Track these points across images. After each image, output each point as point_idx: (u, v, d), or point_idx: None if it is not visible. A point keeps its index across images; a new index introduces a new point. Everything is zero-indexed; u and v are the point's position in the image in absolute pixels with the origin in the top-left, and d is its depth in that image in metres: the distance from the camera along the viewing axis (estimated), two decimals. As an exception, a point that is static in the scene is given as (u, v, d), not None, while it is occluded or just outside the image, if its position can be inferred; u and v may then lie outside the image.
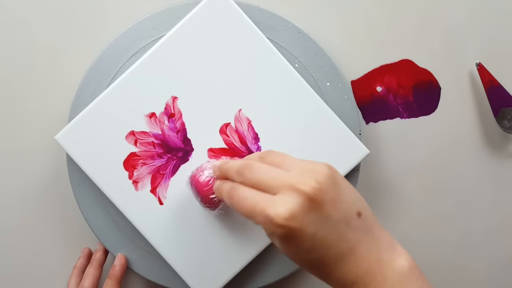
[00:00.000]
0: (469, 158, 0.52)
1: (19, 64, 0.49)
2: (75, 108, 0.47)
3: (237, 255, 0.45)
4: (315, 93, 0.46)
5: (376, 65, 0.51)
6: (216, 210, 0.42)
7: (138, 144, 0.45)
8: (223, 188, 0.36)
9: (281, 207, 0.30)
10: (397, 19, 0.51)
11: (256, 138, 0.46)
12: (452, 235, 0.53)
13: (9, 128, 0.50)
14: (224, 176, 0.37)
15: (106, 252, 0.49)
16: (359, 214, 0.33)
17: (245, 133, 0.46)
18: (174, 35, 0.45)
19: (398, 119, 0.52)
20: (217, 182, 0.38)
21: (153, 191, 0.45)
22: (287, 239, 0.31)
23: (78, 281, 0.47)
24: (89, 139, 0.44)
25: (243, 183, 0.34)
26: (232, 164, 0.36)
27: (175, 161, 0.45)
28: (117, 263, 0.47)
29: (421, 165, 0.52)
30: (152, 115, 0.45)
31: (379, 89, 0.51)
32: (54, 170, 0.50)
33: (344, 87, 0.48)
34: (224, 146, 0.45)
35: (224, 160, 0.39)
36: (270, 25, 0.47)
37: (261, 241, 0.45)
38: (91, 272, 0.47)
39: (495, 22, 0.52)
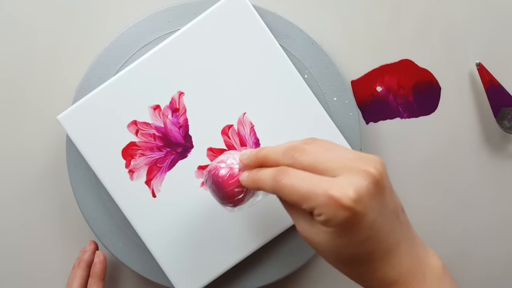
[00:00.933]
0: (469, 158, 0.52)
1: (19, 63, 0.49)
2: (81, 91, 0.47)
3: (224, 256, 0.45)
4: (321, 106, 0.46)
5: (376, 65, 0.51)
6: (237, 208, 0.37)
7: (139, 135, 0.45)
8: (265, 174, 0.31)
9: (349, 187, 0.27)
10: (397, 19, 0.51)
11: (257, 143, 0.46)
12: (452, 235, 0.53)
13: (9, 128, 0.50)
14: (261, 163, 0.33)
15: (95, 253, 0.48)
16: (402, 209, 0.31)
17: (246, 137, 0.46)
18: (188, 31, 0.45)
19: (398, 119, 0.52)
20: (250, 172, 0.33)
21: (147, 182, 0.45)
22: (347, 224, 0.28)
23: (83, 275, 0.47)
24: (91, 123, 0.44)
25: (293, 165, 0.30)
26: (276, 148, 0.32)
27: (173, 156, 0.45)
28: (97, 261, 0.47)
29: (421, 165, 0.52)
30: (157, 107, 0.45)
31: (379, 89, 0.51)
32: (54, 169, 0.50)
33: (351, 104, 0.48)
34: (224, 147, 0.45)
35: (257, 148, 0.34)
36: (285, 33, 0.47)
37: (251, 244, 0.45)
38: (78, 273, 0.46)
39: (495, 22, 0.52)
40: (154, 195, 0.45)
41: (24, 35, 0.49)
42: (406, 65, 0.51)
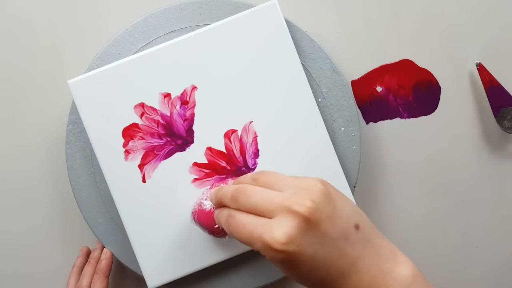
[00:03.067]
0: (469, 158, 0.52)
1: (19, 63, 0.50)
2: (98, 61, 0.47)
3: (202, 255, 0.45)
4: (327, 135, 0.45)
5: (376, 65, 0.51)
6: (227, 237, 0.41)
7: (143, 118, 0.45)
8: (221, 216, 0.35)
9: (278, 231, 0.30)
10: (397, 19, 0.51)
11: (256, 154, 0.46)
12: (452, 235, 0.53)
13: (9, 127, 0.50)
14: (220, 204, 0.36)
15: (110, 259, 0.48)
16: (357, 227, 0.32)
17: (247, 146, 0.46)
18: (217, 29, 0.45)
19: (398, 119, 0.52)
20: (216, 211, 0.37)
21: (141, 166, 0.45)
22: (287, 263, 0.30)
23: (77, 279, 0.47)
24: (99, 95, 0.44)
25: (239, 209, 0.33)
26: (226, 190, 0.35)
27: (172, 147, 0.45)
28: (103, 257, 0.47)
29: (421, 165, 0.52)
30: (167, 95, 0.45)
31: (379, 89, 0.51)
32: (54, 169, 0.50)
33: (356, 137, 0.48)
34: (223, 150, 0.45)
35: (218, 187, 0.39)
36: (309, 54, 0.47)
37: (235, 247, 0.45)
38: (88, 270, 0.47)
39: (495, 21, 0.52)
40: (144, 180, 0.45)
41: (25, 34, 0.49)
42: (406, 65, 0.51)
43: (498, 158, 0.52)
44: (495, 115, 0.51)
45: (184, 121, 0.45)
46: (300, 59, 0.46)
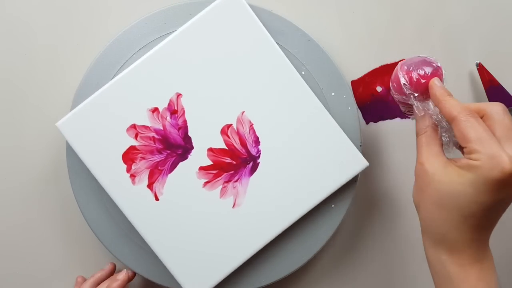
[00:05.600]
0: (469, 158, 0.52)
1: (19, 63, 0.49)
2: (79, 96, 0.47)
3: (231, 255, 0.45)
4: (319, 102, 0.46)
5: (376, 65, 0.51)
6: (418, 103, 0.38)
7: (138, 138, 0.45)
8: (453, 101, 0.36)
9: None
10: (397, 19, 0.51)
11: (256, 141, 0.46)
12: (452, 235, 0.53)
13: (9, 128, 0.50)
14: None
15: (132, 278, 0.48)
16: None
17: (246, 136, 0.46)
18: (184, 32, 0.45)
19: (398, 119, 0.52)
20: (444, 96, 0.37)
21: (149, 186, 0.45)
22: (491, 182, 0.31)
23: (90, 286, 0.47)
24: (90, 129, 0.44)
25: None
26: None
27: (174, 158, 0.45)
28: (120, 278, 0.46)
29: (421, 165, 0.52)
30: (155, 110, 0.45)
31: (379, 89, 0.51)
32: (54, 169, 0.50)
33: (349, 98, 0.48)
34: (224, 147, 0.45)
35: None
36: (281, 31, 0.47)
37: (257, 241, 0.45)
38: (85, 286, 0.46)
39: (495, 21, 0.52)
40: (157, 198, 0.45)
41: (24, 35, 0.49)
42: (406, 65, 0.51)
43: (498, 158, 0.52)
44: (495, 115, 0.51)
45: (178, 130, 0.45)
46: (274, 38, 0.46)
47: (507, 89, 0.50)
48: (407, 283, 0.53)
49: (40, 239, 0.51)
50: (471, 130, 0.33)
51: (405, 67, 0.38)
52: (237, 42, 0.45)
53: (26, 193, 0.50)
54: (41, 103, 0.50)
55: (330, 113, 0.46)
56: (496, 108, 0.34)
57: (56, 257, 0.51)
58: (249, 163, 0.45)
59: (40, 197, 0.50)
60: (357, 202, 0.52)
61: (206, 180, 0.45)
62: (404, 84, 0.38)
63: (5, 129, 0.50)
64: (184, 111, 0.45)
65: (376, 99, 0.51)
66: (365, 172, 0.51)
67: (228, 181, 0.45)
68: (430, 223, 0.35)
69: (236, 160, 0.45)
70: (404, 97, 0.38)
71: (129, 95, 0.45)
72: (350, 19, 0.51)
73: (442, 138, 0.37)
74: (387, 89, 0.51)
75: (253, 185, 0.45)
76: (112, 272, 0.49)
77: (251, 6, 0.45)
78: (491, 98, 0.50)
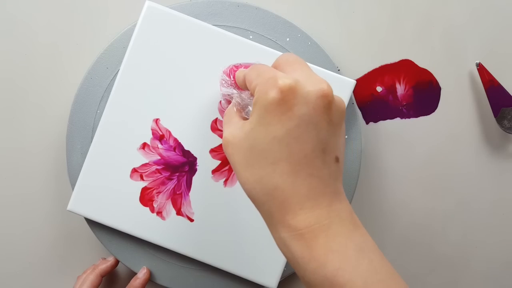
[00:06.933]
0: (469, 158, 0.52)
1: (20, 63, 0.49)
2: (72, 173, 0.47)
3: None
4: (275, 50, 0.45)
5: (376, 65, 0.51)
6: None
7: (144, 178, 0.45)
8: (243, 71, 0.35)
9: (290, 78, 0.29)
10: (397, 19, 0.51)
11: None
12: (452, 235, 0.53)
13: (10, 128, 0.50)
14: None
15: (114, 266, 0.48)
16: (337, 159, 0.31)
17: None
18: (127, 65, 0.45)
19: (398, 119, 0.52)
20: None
21: (179, 213, 0.46)
22: (273, 106, 0.29)
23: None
24: (97, 195, 0.45)
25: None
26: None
27: (185, 176, 0.46)
28: (140, 277, 0.46)
29: (421, 165, 0.52)
30: (144, 145, 0.45)
31: (379, 89, 0.51)
32: (54, 170, 0.50)
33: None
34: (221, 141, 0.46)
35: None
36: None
37: None
38: (90, 279, 0.46)
39: (495, 22, 0.52)
40: (191, 220, 0.46)
41: (25, 34, 0.49)
42: (406, 65, 0.51)
43: (498, 158, 0.53)
44: (495, 115, 0.51)
45: (174, 150, 0.45)
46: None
47: (507, 89, 0.50)
48: (406, 283, 0.53)
49: (40, 239, 0.51)
50: (253, 71, 0.32)
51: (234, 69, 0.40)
52: (181, 43, 0.45)
53: (26, 193, 0.50)
54: (41, 102, 0.50)
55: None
56: (282, 54, 0.33)
57: (56, 257, 0.51)
58: None
59: (40, 196, 0.50)
60: (357, 201, 0.52)
61: (224, 179, 0.46)
62: (223, 79, 0.39)
63: (6, 129, 0.50)
64: (169, 132, 0.45)
65: (376, 99, 0.51)
66: (365, 172, 0.52)
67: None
68: (252, 190, 0.31)
69: None
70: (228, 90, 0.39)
71: (113, 147, 0.45)
72: (350, 19, 0.51)
73: (236, 103, 0.36)
74: (387, 89, 0.51)
75: None
76: (114, 265, 0.48)
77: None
78: (491, 98, 0.50)
